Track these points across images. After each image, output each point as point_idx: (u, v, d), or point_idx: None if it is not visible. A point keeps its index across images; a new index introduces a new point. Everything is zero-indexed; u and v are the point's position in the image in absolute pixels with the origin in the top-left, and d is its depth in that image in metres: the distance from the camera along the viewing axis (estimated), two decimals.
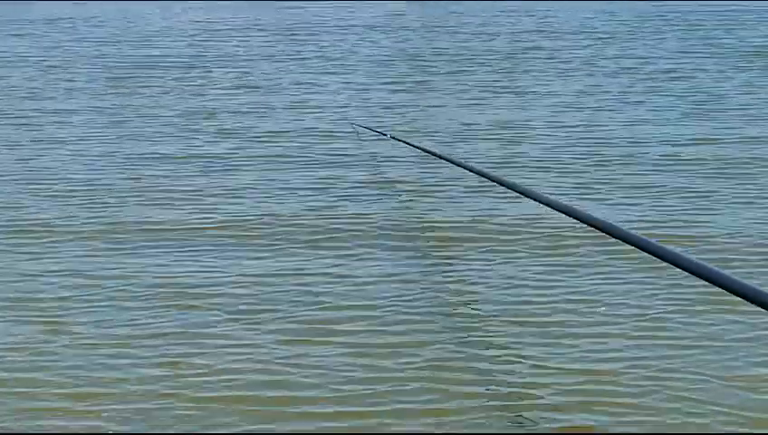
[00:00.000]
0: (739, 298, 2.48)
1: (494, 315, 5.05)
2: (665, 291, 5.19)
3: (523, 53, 12.46)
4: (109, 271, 5.68)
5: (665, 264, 2.88)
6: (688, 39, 13.08)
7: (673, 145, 8.07)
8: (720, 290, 2.57)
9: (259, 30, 15.48)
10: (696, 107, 9.36)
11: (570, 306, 5.09)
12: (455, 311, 5.20)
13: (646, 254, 2.96)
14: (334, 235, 6.30)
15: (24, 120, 9.67)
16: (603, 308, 5.03)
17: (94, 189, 7.34)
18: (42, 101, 10.56)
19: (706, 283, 2.64)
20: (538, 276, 5.55)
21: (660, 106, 9.46)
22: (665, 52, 12.25)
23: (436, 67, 11.85)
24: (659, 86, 10.33)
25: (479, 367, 4.46)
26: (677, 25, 14.22)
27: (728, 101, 9.53)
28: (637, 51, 12.43)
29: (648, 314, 4.95)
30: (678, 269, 2.79)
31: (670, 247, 2.91)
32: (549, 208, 3.87)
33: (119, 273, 5.64)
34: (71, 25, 16.76)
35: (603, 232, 3.30)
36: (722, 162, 7.55)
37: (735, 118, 8.90)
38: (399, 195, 7.19)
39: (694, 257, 2.76)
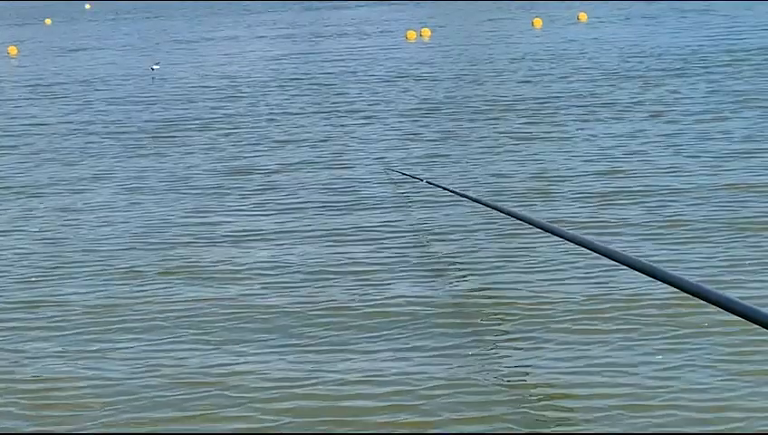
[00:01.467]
0: None
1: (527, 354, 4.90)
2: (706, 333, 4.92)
3: (549, 100, 12.29)
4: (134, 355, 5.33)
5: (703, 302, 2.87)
6: (720, 81, 12.82)
7: (708, 190, 7.68)
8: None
9: (285, 83, 15.50)
10: (728, 151, 8.98)
11: (607, 347, 4.90)
12: (485, 349, 5.02)
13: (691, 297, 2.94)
14: (370, 273, 6.23)
15: (49, 188, 9.42)
16: (660, 357, 4.76)
17: (120, 260, 6.96)
18: (66, 166, 10.39)
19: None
20: (568, 310, 5.39)
21: (696, 150, 9.13)
22: (696, 95, 12.02)
23: (463, 114, 11.72)
24: (690, 129, 10.03)
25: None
26: (709, 66, 14.16)
27: (761, 145, 9.13)
28: (665, 95, 12.23)
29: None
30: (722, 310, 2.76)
31: (710, 287, 2.89)
32: (581, 247, 3.96)
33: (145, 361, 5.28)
34: (95, 86, 16.99)
35: (641, 272, 3.25)
36: (758, 211, 7.13)
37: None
38: (433, 236, 7.03)
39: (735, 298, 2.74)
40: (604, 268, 5.74)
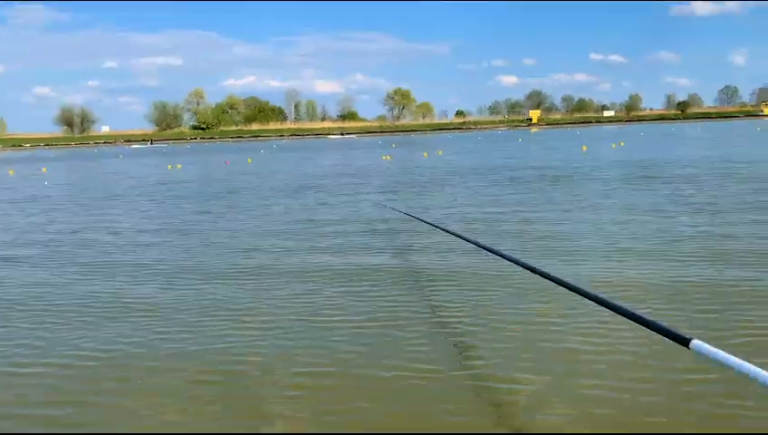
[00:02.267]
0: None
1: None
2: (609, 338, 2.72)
3: (430, 181, 11.47)
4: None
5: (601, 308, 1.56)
6: (515, 179, 11.77)
7: (509, 233, 5.46)
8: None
9: (336, 174, 14.62)
10: (514, 212, 6.72)
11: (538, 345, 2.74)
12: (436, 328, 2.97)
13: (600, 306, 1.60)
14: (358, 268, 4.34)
15: (250, 207, 8.50)
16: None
17: (275, 237, 5.64)
18: (259, 199, 9.42)
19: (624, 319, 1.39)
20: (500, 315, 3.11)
21: (504, 208, 7.88)
22: (503, 185, 11.02)
23: (405, 185, 11.07)
24: (494, 196, 8.93)
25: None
26: (509, 173, 12.98)
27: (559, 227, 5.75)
28: (484, 184, 11.14)
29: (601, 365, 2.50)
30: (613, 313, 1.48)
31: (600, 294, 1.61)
32: (505, 260, 2.27)
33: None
34: (275, 174, 15.92)
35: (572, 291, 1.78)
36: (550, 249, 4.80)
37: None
38: (402, 252, 4.90)
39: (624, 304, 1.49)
40: (526, 277, 3.32)
